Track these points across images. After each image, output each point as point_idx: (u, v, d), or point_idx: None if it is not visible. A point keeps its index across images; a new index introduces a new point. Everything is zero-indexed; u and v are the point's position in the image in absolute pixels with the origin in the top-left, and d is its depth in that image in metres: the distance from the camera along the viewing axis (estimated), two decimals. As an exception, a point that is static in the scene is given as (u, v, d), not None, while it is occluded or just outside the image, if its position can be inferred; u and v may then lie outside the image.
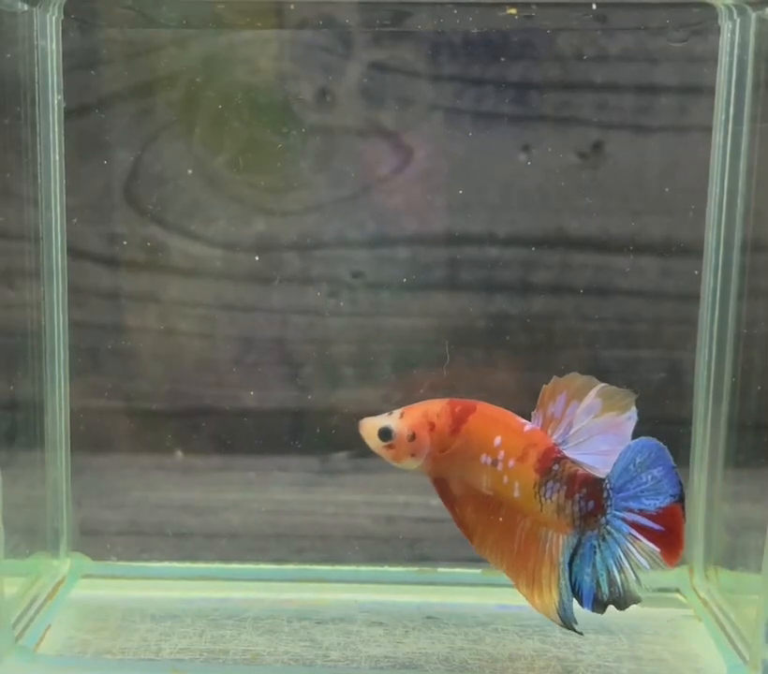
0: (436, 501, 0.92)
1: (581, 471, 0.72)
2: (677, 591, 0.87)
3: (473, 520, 0.74)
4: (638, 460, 0.70)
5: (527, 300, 0.92)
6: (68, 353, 0.87)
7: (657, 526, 0.70)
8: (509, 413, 0.74)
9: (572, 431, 0.72)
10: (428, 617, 0.83)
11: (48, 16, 0.82)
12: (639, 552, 0.70)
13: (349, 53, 0.89)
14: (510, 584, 0.86)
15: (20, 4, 0.79)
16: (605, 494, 0.71)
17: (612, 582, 0.71)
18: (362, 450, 0.76)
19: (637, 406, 0.73)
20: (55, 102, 0.84)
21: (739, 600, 0.81)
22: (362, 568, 0.89)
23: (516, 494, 0.72)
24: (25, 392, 0.85)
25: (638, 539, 0.70)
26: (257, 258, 0.92)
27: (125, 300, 0.93)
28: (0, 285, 0.85)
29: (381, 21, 0.87)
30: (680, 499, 0.70)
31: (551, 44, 0.89)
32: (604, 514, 0.71)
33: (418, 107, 0.90)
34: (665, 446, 0.71)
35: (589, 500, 0.71)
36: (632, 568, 0.70)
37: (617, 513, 0.71)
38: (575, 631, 0.72)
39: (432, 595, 0.86)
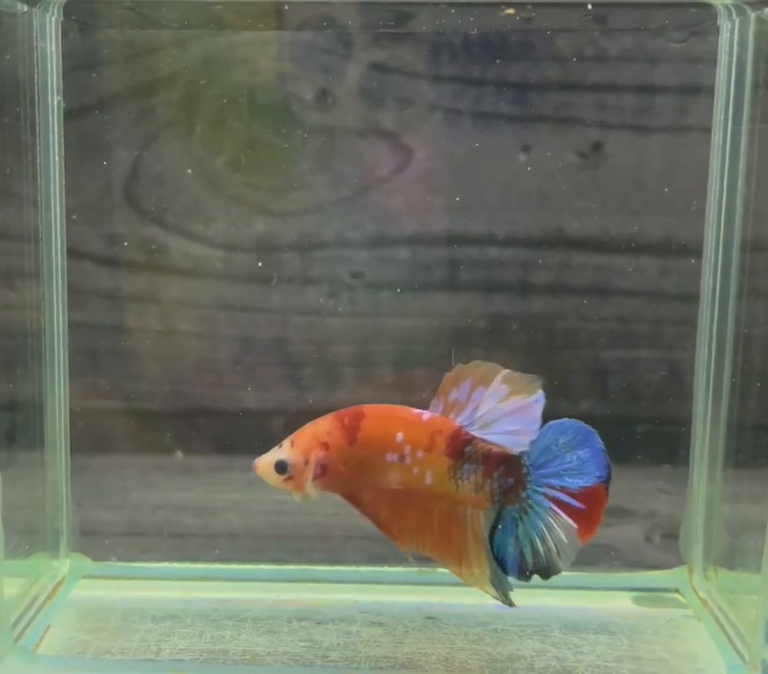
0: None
1: (495, 449, 0.73)
2: (677, 591, 0.87)
3: (389, 517, 0.74)
4: (562, 440, 0.72)
5: (527, 301, 0.92)
6: (68, 353, 0.87)
7: (578, 504, 0.72)
8: (401, 407, 0.74)
9: (479, 414, 0.72)
10: (428, 617, 0.83)
11: (48, 17, 0.82)
12: (559, 527, 0.72)
13: (349, 54, 0.89)
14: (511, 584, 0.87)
15: (19, 5, 0.79)
16: (524, 471, 0.72)
17: (535, 553, 0.72)
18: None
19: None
20: (55, 103, 0.84)
21: (739, 600, 0.81)
22: (362, 569, 0.89)
23: (428, 482, 0.73)
24: (25, 393, 0.85)
25: (558, 514, 0.72)
26: (256, 259, 0.92)
27: (125, 301, 0.93)
28: (0, 286, 0.85)
29: (381, 22, 0.87)
30: (605, 481, 0.72)
31: (550, 45, 0.89)
32: (525, 489, 0.72)
33: (418, 107, 0.90)
34: (594, 430, 0.72)
35: (508, 477, 0.73)
36: (554, 541, 0.72)
37: (538, 488, 0.72)
38: (509, 601, 0.73)
39: (432, 596, 0.86)
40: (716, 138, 0.84)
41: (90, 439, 0.91)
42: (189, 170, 0.90)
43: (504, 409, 0.72)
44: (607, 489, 0.72)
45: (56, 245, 0.86)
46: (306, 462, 0.73)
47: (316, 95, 0.90)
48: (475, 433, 0.72)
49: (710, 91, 0.84)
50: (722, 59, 0.83)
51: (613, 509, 0.93)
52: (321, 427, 0.74)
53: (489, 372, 0.72)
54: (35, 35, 0.82)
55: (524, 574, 0.73)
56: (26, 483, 0.84)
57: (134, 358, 0.93)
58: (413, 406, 0.74)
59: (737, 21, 0.81)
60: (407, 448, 0.73)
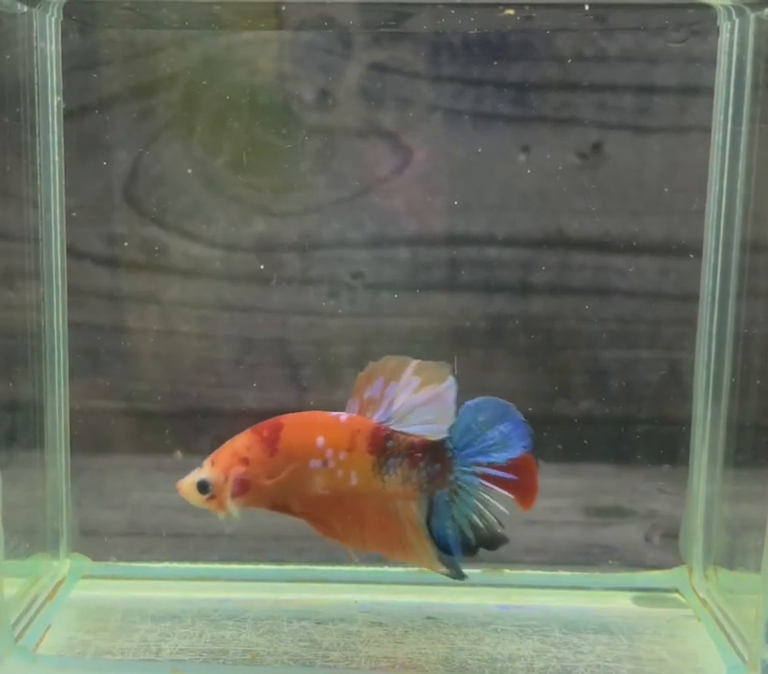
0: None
1: (417, 439, 0.73)
2: (676, 591, 0.87)
3: (325, 522, 0.74)
4: (480, 418, 0.73)
5: (527, 301, 0.92)
6: (68, 354, 0.87)
7: (509, 476, 0.73)
8: (319, 412, 0.75)
9: (394, 408, 0.73)
10: (428, 617, 0.83)
11: (47, 17, 0.82)
12: (494, 499, 0.73)
13: (349, 54, 0.90)
14: (511, 584, 0.87)
15: (19, 5, 0.79)
16: (449, 455, 0.73)
17: (475, 527, 0.73)
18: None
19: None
20: (55, 103, 0.84)
21: (738, 600, 0.81)
22: (362, 569, 0.89)
23: (354, 482, 0.73)
24: (25, 393, 0.85)
25: (491, 488, 0.73)
26: (256, 259, 0.92)
27: (125, 301, 0.93)
28: (0, 286, 0.85)
29: (381, 22, 0.87)
30: (531, 449, 0.73)
31: (550, 45, 0.89)
32: (452, 472, 0.73)
33: (417, 107, 0.90)
34: (510, 403, 0.73)
35: (434, 463, 0.73)
36: (493, 513, 0.73)
37: (465, 469, 0.73)
38: (461, 574, 0.74)
39: (431, 596, 0.86)
40: (716, 138, 0.84)
41: (90, 439, 0.91)
42: (189, 170, 0.90)
43: (418, 400, 0.73)
44: (535, 457, 0.73)
45: (56, 245, 0.86)
46: (226, 480, 0.73)
47: (315, 95, 0.90)
48: (394, 428, 0.73)
49: (710, 91, 0.84)
50: (722, 59, 0.83)
51: (613, 509, 0.93)
52: (240, 443, 0.74)
53: (399, 365, 0.73)
54: (35, 35, 0.82)
55: (470, 550, 0.74)
56: (26, 483, 0.84)
57: (134, 358, 0.93)
58: (333, 409, 0.74)
59: (737, 21, 0.81)
60: (329, 452, 0.73)
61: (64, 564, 0.88)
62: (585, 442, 0.92)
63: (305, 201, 0.92)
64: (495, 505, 0.73)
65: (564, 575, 0.89)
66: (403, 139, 0.91)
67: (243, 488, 0.74)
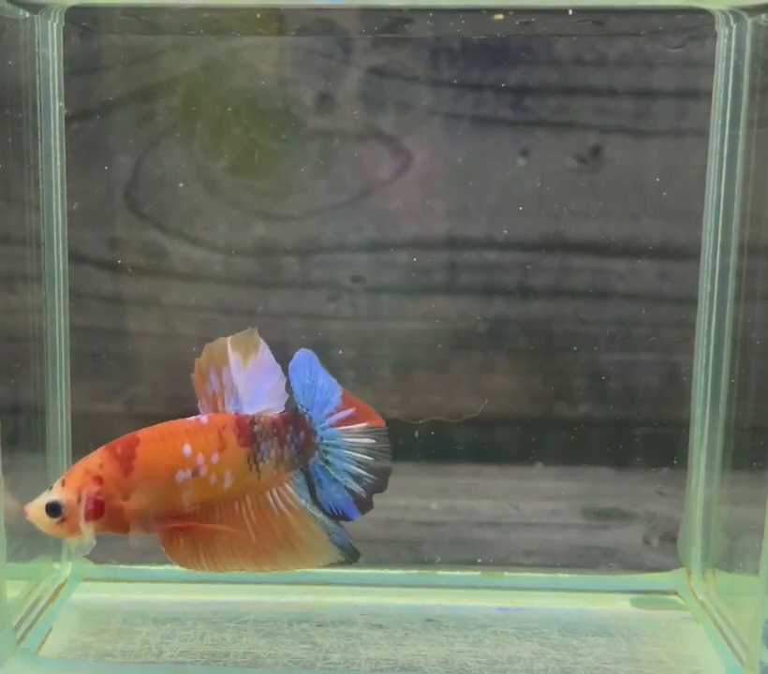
0: (437, 504, 0.93)
1: (275, 415, 0.72)
2: (675, 593, 0.87)
3: (196, 546, 0.71)
4: (308, 372, 0.73)
5: (526, 304, 0.93)
6: (70, 357, 0.88)
7: (350, 412, 0.73)
8: (176, 421, 0.72)
9: (238, 393, 0.72)
10: (428, 619, 0.83)
11: (49, 23, 0.82)
12: (359, 438, 0.73)
13: (349, 59, 0.90)
14: (510, 586, 0.87)
15: (21, 11, 0.79)
16: (307, 418, 0.73)
17: (357, 478, 0.73)
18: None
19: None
20: (57, 108, 0.84)
21: (737, 602, 0.81)
22: (363, 571, 0.89)
23: (228, 484, 0.70)
24: (27, 396, 0.85)
25: (349, 430, 0.73)
26: (257, 263, 0.92)
27: (126, 305, 0.93)
28: (2, 290, 0.85)
29: (380, 27, 0.88)
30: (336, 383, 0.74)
31: (549, 49, 0.89)
32: (315, 434, 0.73)
33: (417, 112, 0.91)
34: (308, 351, 0.74)
35: (299, 432, 0.72)
36: (365, 452, 0.73)
37: (322, 424, 0.73)
38: (356, 555, 0.73)
39: (431, 598, 0.86)
40: (714, 142, 0.84)
41: (92, 443, 0.91)
42: (190, 175, 0.91)
43: (249, 376, 0.72)
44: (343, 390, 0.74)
45: (58, 249, 0.86)
46: (79, 500, 0.68)
47: (315, 100, 0.90)
48: (249, 412, 0.72)
49: (707, 95, 0.84)
50: (719, 64, 0.83)
51: (612, 511, 0.93)
52: (92, 461, 0.69)
53: (219, 350, 0.72)
54: (37, 41, 0.82)
55: (363, 504, 0.73)
56: (28, 486, 0.85)
57: (135, 361, 0.93)
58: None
59: (734, 26, 0.81)
60: (200, 458, 0.70)
61: (65, 567, 0.89)
62: (584, 444, 0.92)
63: (305, 205, 0.92)
64: (363, 442, 0.73)
65: (563, 577, 0.89)
66: (402, 143, 0.91)
67: (99, 508, 0.68)
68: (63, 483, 0.69)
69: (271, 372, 0.72)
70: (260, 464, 0.71)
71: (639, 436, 0.92)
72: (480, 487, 0.93)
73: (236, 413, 0.72)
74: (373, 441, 0.73)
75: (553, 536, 0.93)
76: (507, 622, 0.82)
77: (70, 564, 0.89)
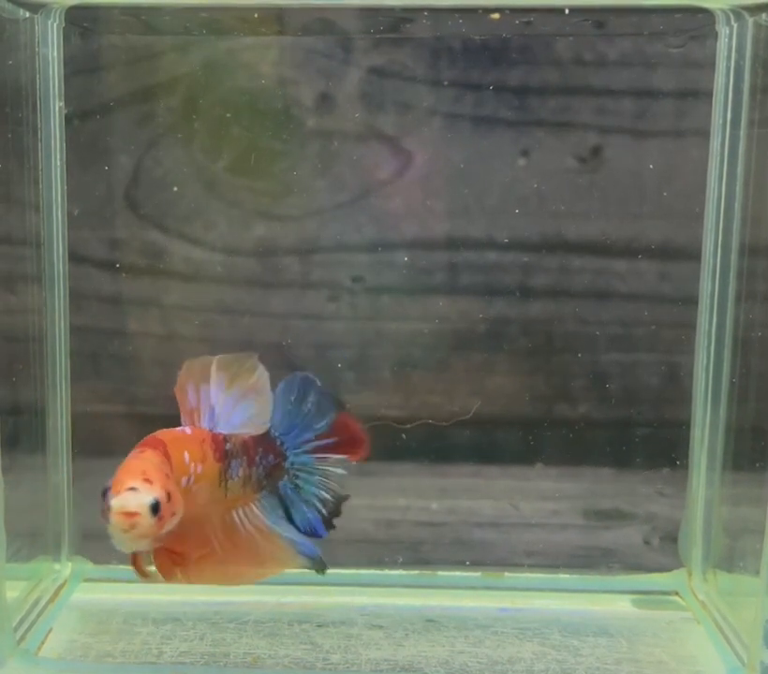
0: (437, 505, 0.93)
1: (247, 437, 0.72)
2: (676, 593, 0.87)
3: (183, 554, 0.70)
4: (292, 398, 0.74)
5: (527, 304, 0.93)
6: (70, 358, 0.88)
7: (333, 439, 0.74)
8: (167, 430, 0.70)
9: (216, 412, 0.71)
10: (428, 620, 0.83)
11: (49, 23, 0.82)
12: (333, 467, 0.74)
13: (349, 59, 0.90)
14: (511, 587, 0.87)
15: (21, 11, 0.79)
16: (278, 442, 0.73)
17: (324, 502, 0.75)
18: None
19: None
20: (57, 108, 0.84)
21: (737, 603, 0.81)
22: (363, 571, 0.89)
23: (202, 497, 0.69)
24: (27, 397, 0.85)
25: (325, 459, 0.74)
26: (257, 263, 0.92)
27: (127, 305, 0.93)
28: (2, 291, 0.85)
29: (380, 27, 0.88)
30: (341, 408, 0.74)
31: (549, 49, 0.89)
32: (285, 459, 0.73)
33: (417, 112, 0.91)
34: (307, 373, 0.74)
35: (268, 455, 0.73)
36: (337, 483, 0.75)
37: (296, 450, 0.74)
38: (323, 565, 0.75)
39: (432, 598, 0.86)
40: (715, 142, 0.84)
41: (92, 443, 0.91)
42: (190, 175, 0.91)
43: (234, 398, 0.71)
44: (348, 412, 0.74)
45: (58, 250, 0.86)
46: (167, 498, 0.64)
47: (315, 100, 0.90)
48: (224, 431, 0.71)
49: (708, 95, 0.84)
50: (720, 64, 0.83)
51: (613, 512, 0.93)
52: (154, 459, 0.66)
53: (202, 367, 0.71)
54: (37, 41, 0.82)
55: (328, 525, 0.75)
56: (28, 486, 0.85)
57: (135, 362, 0.93)
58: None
59: (735, 26, 0.81)
60: (192, 467, 0.68)
61: (65, 567, 0.89)
62: (585, 445, 0.92)
63: (305, 205, 0.92)
64: (334, 472, 0.75)
65: (564, 577, 0.89)
66: (402, 144, 0.91)
67: (179, 504, 0.65)
68: (145, 481, 0.64)
69: (259, 397, 0.72)
70: (229, 482, 0.71)
71: (639, 437, 0.92)
72: (481, 487, 0.93)
73: (211, 430, 0.71)
74: (346, 473, 0.74)
75: (553, 537, 0.93)
76: (507, 623, 0.82)
77: (70, 564, 0.89)
